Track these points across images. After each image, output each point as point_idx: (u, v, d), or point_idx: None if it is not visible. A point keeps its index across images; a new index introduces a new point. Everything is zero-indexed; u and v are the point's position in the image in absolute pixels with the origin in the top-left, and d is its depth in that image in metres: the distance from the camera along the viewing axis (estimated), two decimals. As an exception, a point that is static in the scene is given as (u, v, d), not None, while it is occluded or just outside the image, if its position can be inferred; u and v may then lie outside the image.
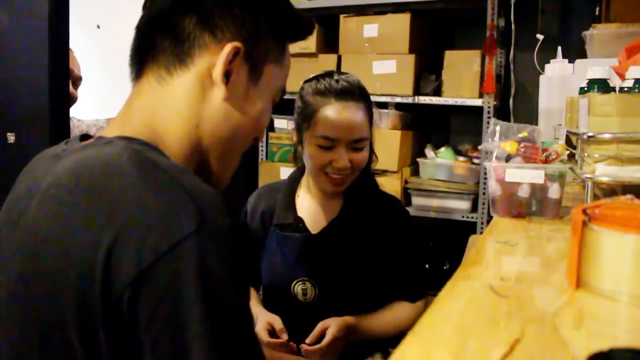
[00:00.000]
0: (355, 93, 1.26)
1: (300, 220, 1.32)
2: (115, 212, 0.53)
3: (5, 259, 0.61)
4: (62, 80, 1.72)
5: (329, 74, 1.30)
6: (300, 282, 1.26)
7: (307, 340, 1.18)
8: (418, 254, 1.38)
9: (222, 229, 0.55)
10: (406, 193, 2.40)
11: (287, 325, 1.22)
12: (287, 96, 2.76)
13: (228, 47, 0.65)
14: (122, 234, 0.52)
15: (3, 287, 0.60)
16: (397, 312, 1.31)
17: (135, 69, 0.69)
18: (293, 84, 2.52)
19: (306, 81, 1.33)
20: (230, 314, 0.54)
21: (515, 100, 2.47)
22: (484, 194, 2.21)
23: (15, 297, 0.58)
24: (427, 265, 1.21)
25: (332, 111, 1.22)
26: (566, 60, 1.85)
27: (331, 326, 1.17)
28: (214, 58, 0.65)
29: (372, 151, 1.33)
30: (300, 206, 1.35)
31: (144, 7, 0.70)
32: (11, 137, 1.57)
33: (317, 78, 1.31)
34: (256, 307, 1.30)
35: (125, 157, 0.58)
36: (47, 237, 0.56)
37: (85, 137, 0.71)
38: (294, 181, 1.40)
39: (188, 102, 0.65)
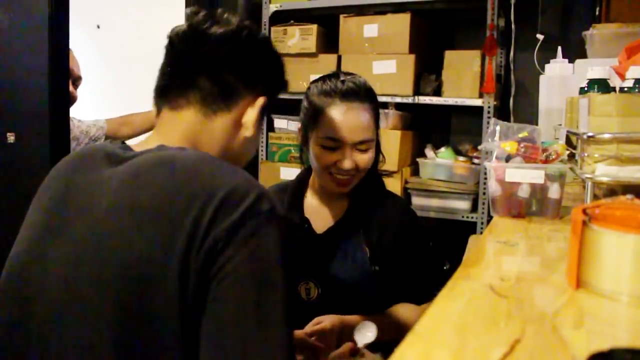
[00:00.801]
0: (361, 94, 1.26)
1: (306, 220, 1.31)
2: (215, 190, 0.69)
3: (81, 236, 0.73)
4: (62, 80, 1.72)
5: (335, 75, 1.31)
6: (304, 282, 1.26)
7: (299, 332, 1.15)
8: (425, 256, 1.35)
9: (282, 217, 0.73)
10: (406, 193, 2.40)
11: None
12: (287, 96, 2.77)
13: (260, 101, 0.88)
14: (222, 204, 0.68)
15: (86, 260, 0.71)
16: (400, 314, 1.28)
17: (172, 98, 0.84)
18: (293, 84, 2.53)
19: (312, 82, 1.34)
20: (278, 286, 0.69)
21: (515, 100, 2.48)
22: (484, 194, 2.21)
23: (110, 261, 0.69)
24: (440, 266, 1.17)
25: (337, 112, 1.22)
26: (566, 60, 1.85)
27: (324, 321, 1.17)
28: (248, 107, 0.87)
29: (379, 152, 1.32)
30: (307, 206, 1.35)
31: (184, 40, 0.84)
32: (11, 137, 1.58)
33: (323, 79, 1.31)
34: None
35: (206, 156, 0.77)
36: (149, 210, 0.69)
37: (124, 143, 0.85)
38: (302, 181, 1.39)
39: (224, 136, 0.85)
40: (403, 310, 1.29)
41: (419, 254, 1.33)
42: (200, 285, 0.67)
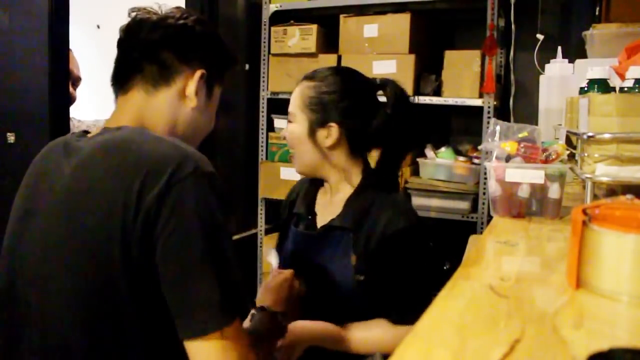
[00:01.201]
0: (310, 75, 1.30)
1: (313, 213, 1.29)
2: (140, 163, 0.79)
3: (46, 215, 0.84)
4: (62, 80, 1.72)
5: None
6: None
7: None
8: (414, 273, 1.20)
9: (208, 173, 0.81)
10: (406, 193, 2.40)
11: None
12: (286, 96, 2.76)
13: (198, 73, 0.97)
14: (147, 175, 0.77)
15: (52, 235, 0.82)
16: (370, 332, 1.18)
17: (122, 83, 0.96)
18: (293, 84, 2.53)
19: None
20: (219, 232, 0.79)
21: (515, 100, 2.48)
22: (484, 194, 2.21)
23: (68, 235, 0.80)
24: (429, 290, 1.03)
25: None
26: (566, 60, 1.85)
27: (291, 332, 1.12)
28: (188, 80, 0.96)
29: (362, 149, 1.27)
30: (319, 200, 1.32)
31: (126, 32, 0.95)
32: (11, 137, 1.58)
33: None
34: None
35: (137, 132, 0.87)
36: (92, 189, 0.80)
37: (85, 132, 0.95)
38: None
39: (169, 109, 0.95)
40: (374, 328, 1.19)
41: (402, 271, 1.19)
42: (144, 251, 0.77)
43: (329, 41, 2.53)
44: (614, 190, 1.09)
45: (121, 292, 0.78)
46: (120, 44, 0.97)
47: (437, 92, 2.34)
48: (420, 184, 2.39)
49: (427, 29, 2.50)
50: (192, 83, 0.96)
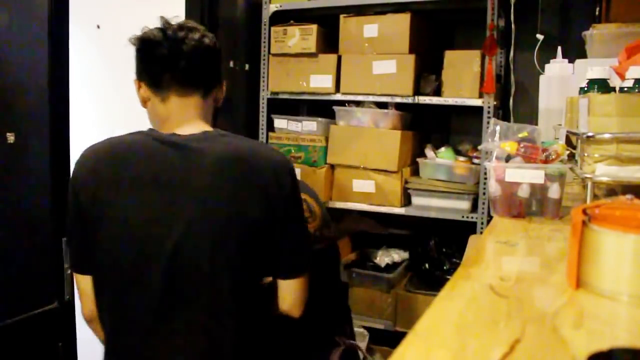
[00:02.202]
0: None
1: None
2: (270, 165, 1.07)
3: (184, 212, 1.02)
4: (62, 80, 1.72)
5: None
6: None
7: None
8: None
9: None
10: (406, 193, 2.40)
11: None
12: (286, 96, 2.75)
13: (225, 84, 1.24)
14: (278, 172, 1.07)
15: (196, 221, 1.02)
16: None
17: (184, 87, 1.14)
18: (294, 84, 2.53)
19: None
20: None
21: (515, 100, 2.47)
22: (484, 194, 2.21)
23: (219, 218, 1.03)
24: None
25: None
26: (566, 60, 1.85)
27: None
28: (220, 89, 1.23)
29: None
30: None
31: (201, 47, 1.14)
32: (11, 137, 1.57)
33: None
34: None
35: (244, 139, 1.12)
36: (240, 186, 1.04)
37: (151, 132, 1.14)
38: None
39: (210, 110, 1.21)
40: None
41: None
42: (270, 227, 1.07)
43: (329, 41, 2.53)
44: (614, 190, 1.09)
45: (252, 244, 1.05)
46: (180, 49, 1.11)
47: (437, 92, 2.33)
48: (420, 184, 2.38)
49: (427, 29, 2.50)
50: (221, 91, 1.22)
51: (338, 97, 2.45)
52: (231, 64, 2.62)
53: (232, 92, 2.67)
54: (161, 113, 1.13)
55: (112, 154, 1.07)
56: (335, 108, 2.48)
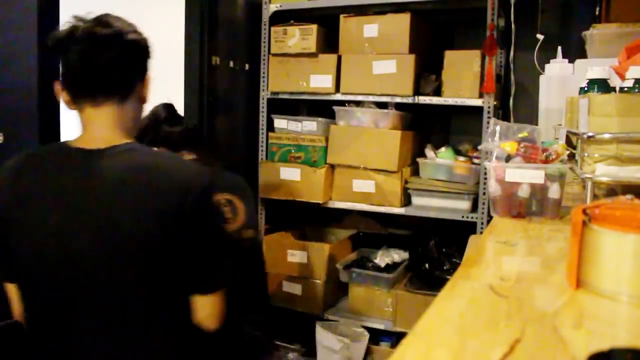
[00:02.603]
0: None
1: None
2: (177, 182, 1.01)
3: (82, 229, 0.99)
4: (52, 78, 1.71)
5: None
6: None
7: None
8: None
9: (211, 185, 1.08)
10: (406, 193, 2.40)
11: None
12: (286, 96, 2.75)
13: (149, 78, 1.13)
14: (185, 191, 1.01)
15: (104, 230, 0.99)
16: None
17: (93, 95, 1.06)
18: (294, 84, 2.53)
19: None
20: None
21: (515, 100, 2.47)
22: (484, 194, 2.21)
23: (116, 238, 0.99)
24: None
25: None
26: (566, 60, 1.85)
27: None
28: (144, 86, 1.14)
29: None
30: None
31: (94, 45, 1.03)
32: (0, 137, 1.55)
33: None
34: None
35: (153, 155, 1.09)
36: (136, 204, 0.99)
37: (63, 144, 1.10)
38: None
39: (135, 114, 1.14)
40: None
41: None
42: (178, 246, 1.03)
43: (329, 41, 2.53)
44: (614, 190, 1.09)
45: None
46: (88, 57, 1.02)
47: (437, 92, 2.33)
48: (420, 184, 2.38)
49: (427, 29, 2.50)
50: (145, 88, 1.13)
51: (338, 97, 2.45)
52: (231, 64, 2.62)
53: (232, 92, 2.67)
54: (80, 121, 1.08)
55: (24, 167, 1.06)
56: (335, 108, 2.48)
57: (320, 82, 2.47)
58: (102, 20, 1.04)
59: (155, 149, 1.12)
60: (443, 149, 2.44)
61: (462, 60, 2.27)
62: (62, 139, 1.75)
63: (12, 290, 1.11)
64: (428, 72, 2.37)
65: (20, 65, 1.61)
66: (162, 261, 1.01)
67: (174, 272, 1.03)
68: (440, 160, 2.39)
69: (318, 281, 2.50)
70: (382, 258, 2.51)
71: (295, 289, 2.54)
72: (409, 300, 2.31)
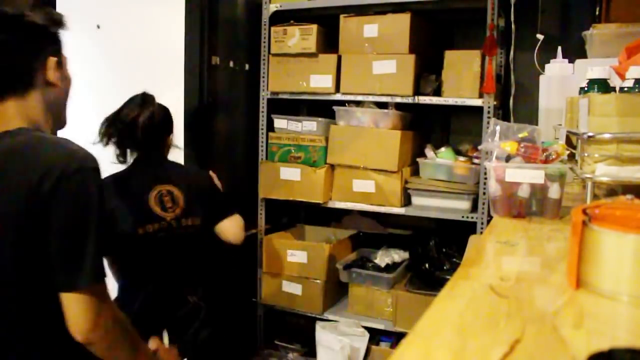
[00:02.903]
0: None
1: None
2: (39, 163, 0.95)
3: None
4: None
5: None
6: None
7: None
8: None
9: (89, 169, 0.99)
10: (406, 193, 2.40)
11: None
12: (286, 96, 2.74)
13: (52, 62, 1.05)
14: (45, 172, 0.94)
15: None
16: None
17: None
18: (293, 84, 2.53)
19: None
20: (91, 214, 0.99)
21: (515, 100, 2.47)
22: (484, 194, 2.21)
23: None
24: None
25: None
26: (566, 60, 1.85)
27: None
28: (46, 71, 1.06)
29: None
30: None
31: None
32: None
33: None
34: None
35: (33, 138, 1.00)
36: (7, 185, 0.95)
37: None
38: None
39: (44, 104, 1.07)
40: None
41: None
42: (37, 233, 0.96)
43: (329, 41, 2.53)
44: (614, 190, 1.09)
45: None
46: None
47: (437, 92, 2.33)
48: (420, 184, 2.38)
49: (427, 29, 2.50)
50: (50, 72, 1.04)
51: (338, 97, 2.45)
52: (231, 64, 2.62)
53: (232, 92, 2.67)
54: None
55: None
56: (335, 108, 2.48)
57: (320, 82, 2.46)
58: None
59: (43, 133, 1.03)
60: (443, 149, 2.44)
61: (462, 60, 2.27)
62: (70, 135, 1.74)
63: None
64: (428, 72, 2.37)
65: None
66: (30, 248, 0.95)
67: (40, 263, 0.96)
68: (440, 160, 2.39)
69: (318, 281, 2.50)
70: (382, 258, 2.51)
71: (295, 289, 2.54)
72: (409, 300, 2.31)
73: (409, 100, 2.32)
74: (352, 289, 2.48)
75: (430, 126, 2.76)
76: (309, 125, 2.53)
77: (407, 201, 2.42)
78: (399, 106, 2.41)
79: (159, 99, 1.80)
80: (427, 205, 2.38)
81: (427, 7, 2.35)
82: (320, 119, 2.52)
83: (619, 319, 0.62)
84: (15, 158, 0.97)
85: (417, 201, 2.40)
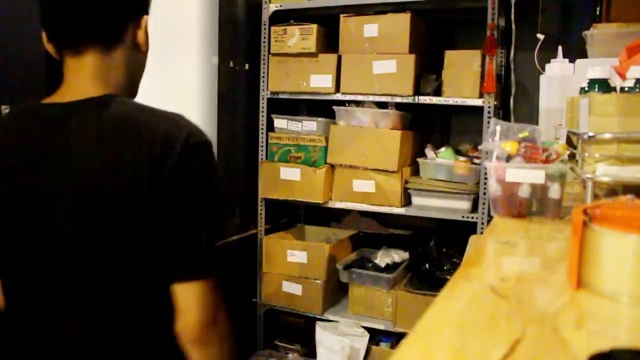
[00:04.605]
0: None
1: None
2: (158, 137, 0.86)
3: (62, 184, 0.87)
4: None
5: None
6: None
7: None
8: None
9: (210, 144, 0.92)
10: (406, 193, 2.40)
11: None
12: (286, 96, 2.75)
13: (144, 20, 0.98)
14: (166, 147, 0.85)
15: (72, 194, 0.86)
16: None
17: (73, 44, 0.93)
18: (293, 84, 2.53)
19: None
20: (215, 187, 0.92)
21: (516, 100, 2.47)
22: (484, 194, 2.21)
23: (94, 192, 0.86)
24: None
25: None
26: (567, 60, 1.84)
27: None
28: (137, 30, 0.98)
29: None
30: None
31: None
32: (6, 111, 1.47)
33: None
34: None
35: (130, 106, 0.91)
36: (111, 159, 0.86)
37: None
38: None
39: (127, 64, 0.97)
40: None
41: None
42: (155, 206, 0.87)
43: (329, 41, 2.53)
44: (615, 190, 1.09)
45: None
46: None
47: (437, 92, 2.33)
48: (421, 184, 2.38)
49: (427, 29, 2.50)
50: (141, 32, 0.96)
51: (338, 97, 2.45)
52: (231, 63, 2.62)
53: (231, 92, 2.67)
54: (63, 75, 0.95)
55: None
56: (336, 108, 2.48)
57: (320, 81, 2.47)
58: None
59: (136, 100, 0.95)
60: (443, 149, 2.44)
61: (462, 60, 2.27)
62: None
63: None
64: (428, 72, 2.37)
65: (27, 35, 1.48)
66: (141, 232, 0.86)
67: (151, 248, 0.86)
68: (440, 160, 2.39)
69: (318, 281, 2.50)
70: (382, 258, 2.51)
71: (295, 289, 2.54)
72: (409, 300, 2.31)
73: (409, 100, 2.32)
74: (352, 289, 2.48)
75: (430, 126, 2.76)
76: (309, 125, 2.53)
77: (407, 201, 2.41)
78: (399, 106, 2.41)
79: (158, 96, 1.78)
80: (427, 205, 2.38)
81: (427, 7, 2.35)
82: (320, 119, 2.52)
83: (620, 320, 0.62)
84: (125, 132, 0.87)
85: (417, 201, 2.40)
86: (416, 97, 2.32)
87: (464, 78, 2.26)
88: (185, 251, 0.87)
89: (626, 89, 1.17)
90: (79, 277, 0.87)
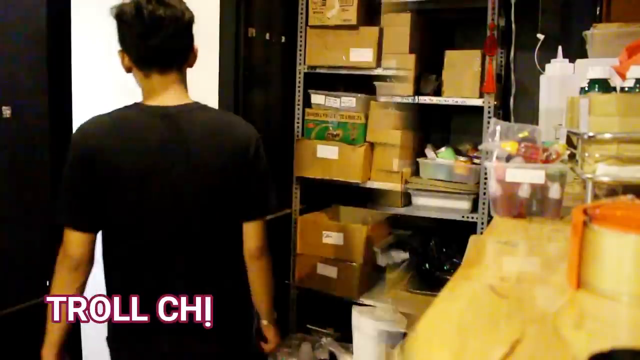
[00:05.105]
0: None
1: None
2: (244, 135, 1.36)
3: (186, 178, 1.28)
4: (62, 49, 1.58)
5: None
6: None
7: None
8: None
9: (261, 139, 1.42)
10: (406, 193, 2.40)
11: None
12: (324, 70, 2.60)
13: (197, 47, 1.38)
14: (249, 142, 1.35)
15: (193, 183, 1.29)
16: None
17: (165, 64, 1.30)
18: (332, 58, 2.39)
19: None
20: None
21: (516, 100, 2.47)
22: (484, 194, 2.21)
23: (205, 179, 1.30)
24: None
25: None
26: (567, 60, 1.84)
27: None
28: (194, 55, 1.39)
29: None
30: None
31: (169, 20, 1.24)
32: (7, 111, 1.46)
33: None
34: None
35: (221, 114, 1.47)
36: (218, 150, 1.31)
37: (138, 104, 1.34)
38: None
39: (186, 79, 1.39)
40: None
41: None
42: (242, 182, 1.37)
43: (370, 12, 2.40)
44: (615, 190, 1.09)
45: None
46: (163, 30, 1.22)
47: (438, 92, 2.33)
48: (421, 184, 2.38)
49: (427, 29, 2.50)
50: (194, 54, 1.35)
51: (379, 71, 2.36)
52: (267, 36, 2.45)
53: (267, 65, 2.51)
54: (144, 85, 1.30)
55: (116, 125, 1.26)
56: (377, 83, 2.38)
57: (360, 55, 2.36)
58: (164, 1, 1.22)
59: (211, 106, 1.37)
60: (443, 148, 2.44)
61: (462, 60, 2.27)
62: (73, 114, 1.65)
63: (76, 238, 1.24)
64: (428, 72, 2.37)
65: (29, 35, 1.49)
66: (232, 190, 1.32)
67: (236, 200, 1.33)
68: (440, 160, 2.39)
69: (354, 264, 2.40)
70: (382, 258, 2.50)
71: (331, 271, 2.44)
72: (409, 300, 2.31)
73: (409, 100, 2.32)
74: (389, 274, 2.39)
75: (430, 126, 2.76)
76: (348, 101, 2.43)
77: (407, 201, 2.41)
78: (398, 106, 2.41)
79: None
80: (427, 205, 2.38)
81: (427, 7, 2.35)
82: (359, 94, 2.42)
83: (620, 320, 0.62)
84: (225, 129, 1.33)
85: (417, 201, 2.40)
86: (416, 97, 2.32)
87: (464, 78, 2.26)
88: (260, 203, 1.40)
89: (626, 89, 1.17)
90: (194, 224, 1.29)
